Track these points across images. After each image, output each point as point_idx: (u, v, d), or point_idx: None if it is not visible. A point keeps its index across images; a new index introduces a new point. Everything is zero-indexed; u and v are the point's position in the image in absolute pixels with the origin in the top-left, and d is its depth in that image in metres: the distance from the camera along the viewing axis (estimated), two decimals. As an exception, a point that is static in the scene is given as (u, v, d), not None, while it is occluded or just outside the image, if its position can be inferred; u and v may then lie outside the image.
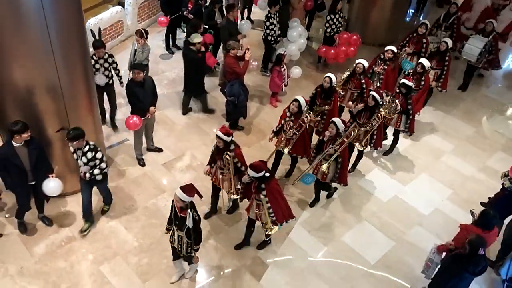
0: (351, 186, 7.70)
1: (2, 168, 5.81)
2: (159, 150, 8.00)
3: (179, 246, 5.51)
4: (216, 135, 6.05)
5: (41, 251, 6.29)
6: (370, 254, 6.70)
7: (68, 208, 6.91)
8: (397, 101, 7.52)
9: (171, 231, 5.56)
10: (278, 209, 5.87)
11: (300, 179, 6.80)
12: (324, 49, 10.28)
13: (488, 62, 10.03)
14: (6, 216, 6.66)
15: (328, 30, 10.26)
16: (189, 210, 5.18)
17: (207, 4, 9.94)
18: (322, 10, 11.67)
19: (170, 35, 10.54)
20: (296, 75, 9.36)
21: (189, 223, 5.19)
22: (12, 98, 5.99)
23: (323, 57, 10.52)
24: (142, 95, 7.11)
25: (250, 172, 5.63)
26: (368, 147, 7.49)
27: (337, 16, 10.08)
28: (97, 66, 7.44)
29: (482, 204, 7.30)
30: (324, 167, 6.60)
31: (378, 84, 8.67)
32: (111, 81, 7.79)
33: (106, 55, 7.54)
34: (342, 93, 8.19)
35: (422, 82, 8.32)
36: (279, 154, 7.38)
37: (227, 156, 6.08)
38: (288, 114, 6.98)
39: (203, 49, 8.21)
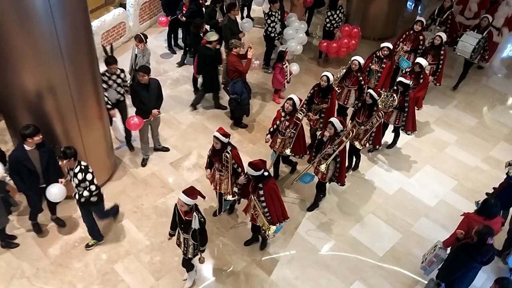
0: (357, 180, 7.83)
1: (15, 171, 5.90)
2: (166, 149, 8.09)
3: (185, 249, 5.55)
4: (214, 136, 6.06)
5: (56, 252, 6.40)
6: (378, 246, 6.81)
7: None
8: (394, 95, 7.55)
9: (176, 234, 5.60)
10: (273, 210, 5.88)
11: (299, 178, 6.86)
12: (325, 43, 10.39)
13: (483, 56, 10.02)
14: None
15: (328, 25, 10.35)
16: (194, 213, 5.22)
17: (208, 3, 10.01)
18: (321, 6, 11.76)
19: (172, 35, 10.60)
20: (295, 71, 9.44)
21: (195, 225, 5.22)
22: (23, 102, 6.07)
23: (325, 51, 10.62)
24: (146, 98, 7.18)
25: (249, 170, 5.64)
26: (367, 145, 7.54)
27: (337, 11, 10.17)
28: (110, 82, 7.33)
29: (487, 194, 7.40)
30: (322, 167, 6.60)
31: (376, 82, 8.67)
32: (122, 98, 7.64)
33: (118, 71, 7.40)
34: (338, 91, 8.19)
35: (421, 81, 8.29)
36: (278, 162, 7.45)
37: (226, 154, 6.11)
38: (283, 114, 6.94)
39: (218, 46, 8.36)
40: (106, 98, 7.26)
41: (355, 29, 10.55)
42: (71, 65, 5.98)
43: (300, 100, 6.98)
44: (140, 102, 7.18)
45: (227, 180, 6.35)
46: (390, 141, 8.51)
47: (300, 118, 6.95)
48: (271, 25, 9.57)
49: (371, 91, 7.16)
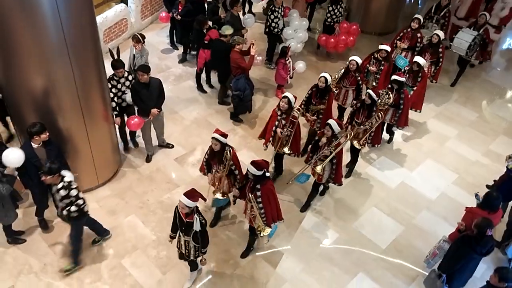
0: (359, 175, 7.93)
1: (22, 169, 5.96)
2: (171, 146, 8.15)
3: (186, 251, 5.56)
4: (213, 137, 6.05)
5: (63, 248, 6.48)
6: (380, 239, 6.92)
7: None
8: (390, 93, 7.57)
9: (177, 237, 5.61)
10: (269, 211, 5.91)
11: (295, 178, 6.89)
12: (324, 37, 10.49)
13: (481, 54, 10.07)
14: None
15: (329, 20, 10.43)
16: (195, 215, 5.23)
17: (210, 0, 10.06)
18: (323, 1, 11.81)
19: (174, 31, 10.65)
20: (301, 69, 9.53)
21: (197, 227, 5.24)
22: (29, 99, 6.13)
23: (323, 46, 10.71)
24: (146, 96, 7.20)
25: (251, 168, 5.64)
26: (366, 145, 7.58)
27: (338, 6, 10.24)
28: (119, 86, 7.26)
29: (487, 186, 7.52)
30: (318, 168, 6.60)
31: (374, 83, 8.66)
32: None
33: (126, 73, 7.33)
34: (336, 91, 8.21)
35: (419, 79, 8.29)
36: (278, 156, 7.49)
37: (228, 152, 6.09)
38: (279, 113, 6.98)
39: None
40: (114, 104, 7.23)
41: (354, 26, 10.63)
42: (77, 62, 6.04)
43: (295, 98, 6.98)
44: (140, 101, 7.22)
45: (222, 179, 6.35)
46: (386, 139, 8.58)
47: (297, 116, 6.95)
48: (275, 20, 9.63)
49: (370, 91, 7.17)
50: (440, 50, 8.97)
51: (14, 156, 5.67)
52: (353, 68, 7.97)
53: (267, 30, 9.86)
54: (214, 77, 9.76)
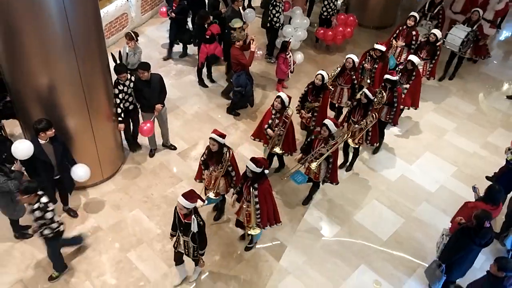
0: (360, 168, 8.05)
1: (30, 164, 6.03)
2: (173, 148, 8.16)
3: (186, 250, 5.60)
4: (210, 138, 6.05)
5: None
6: (381, 231, 7.05)
7: (91, 199, 7.20)
8: (383, 92, 7.57)
9: (176, 236, 5.65)
10: (265, 210, 5.94)
11: (291, 176, 6.88)
12: (322, 31, 10.57)
13: (478, 51, 10.05)
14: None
15: (325, 13, 10.51)
16: (193, 216, 5.25)
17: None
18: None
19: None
20: (299, 60, 9.59)
21: (194, 228, 5.26)
22: (35, 95, 6.18)
23: (321, 39, 10.79)
24: (148, 93, 7.24)
25: (250, 164, 5.66)
26: (365, 143, 7.56)
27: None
28: (125, 89, 7.11)
29: (487, 178, 7.64)
30: (313, 165, 6.61)
31: (369, 81, 8.67)
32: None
33: (129, 76, 7.20)
34: (331, 89, 8.18)
35: (413, 78, 8.26)
36: (271, 156, 7.51)
37: (227, 153, 6.12)
38: (273, 112, 7.00)
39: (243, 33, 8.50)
40: (119, 110, 7.16)
41: (351, 17, 10.73)
42: (83, 58, 6.09)
43: (289, 98, 7.00)
44: (142, 98, 7.27)
45: (217, 179, 6.32)
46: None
47: (289, 115, 6.96)
48: (276, 15, 9.68)
49: (366, 90, 7.18)
50: (438, 48, 8.96)
51: (23, 147, 5.75)
52: (349, 66, 7.97)
53: (268, 25, 9.89)
54: (215, 71, 9.83)
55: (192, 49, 10.41)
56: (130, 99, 7.29)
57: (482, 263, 6.42)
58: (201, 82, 9.65)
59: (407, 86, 8.31)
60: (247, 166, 5.75)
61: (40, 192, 5.45)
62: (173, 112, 8.83)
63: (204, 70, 9.64)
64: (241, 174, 6.21)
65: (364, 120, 7.20)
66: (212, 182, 6.39)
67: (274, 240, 6.82)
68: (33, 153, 5.92)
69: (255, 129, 7.52)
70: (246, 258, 6.58)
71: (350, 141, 7.44)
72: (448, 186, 7.85)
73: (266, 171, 5.84)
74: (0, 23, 5.60)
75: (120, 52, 8.27)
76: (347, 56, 8.04)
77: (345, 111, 8.12)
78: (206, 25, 8.82)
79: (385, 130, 8.25)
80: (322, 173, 6.86)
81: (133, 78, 7.26)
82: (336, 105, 8.54)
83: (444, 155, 8.45)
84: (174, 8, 9.56)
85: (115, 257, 6.45)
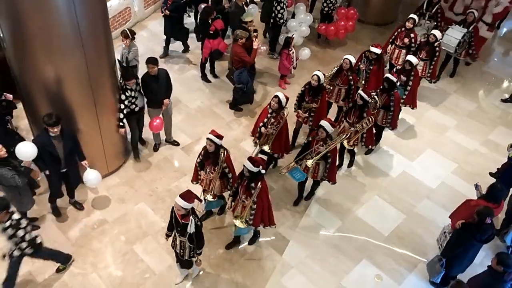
0: (362, 164, 8.14)
1: (38, 156, 6.05)
2: (176, 143, 8.23)
3: (181, 251, 5.59)
4: (208, 138, 6.04)
5: (76, 234, 6.68)
6: (383, 227, 7.15)
7: (96, 192, 7.28)
8: (376, 97, 7.58)
9: (172, 236, 5.65)
10: (260, 210, 5.95)
11: (289, 172, 6.85)
12: (323, 26, 10.64)
13: (469, 53, 9.99)
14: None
15: (326, 9, 10.57)
16: (191, 217, 5.26)
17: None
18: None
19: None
20: (305, 56, 9.63)
21: (191, 229, 5.27)
22: (42, 89, 6.23)
23: (324, 34, 10.84)
24: (156, 88, 7.31)
25: (247, 164, 5.66)
26: (359, 145, 7.62)
27: None
28: (132, 93, 7.05)
29: (490, 174, 7.74)
30: (309, 162, 6.59)
31: (363, 82, 8.66)
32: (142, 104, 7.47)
33: (135, 80, 7.10)
34: (330, 88, 8.23)
35: (411, 78, 8.23)
36: (263, 153, 7.48)
37: (222, 154, 6.12)
38: (269, 111, 7.01)
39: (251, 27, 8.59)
40: (121, 115, 7.09)
41: (351, 11, 10.78)
42: (90, 52, 6.13)
43: (287, 98, 7.01)
44: (150, 93, 7.32)
45: (213, 181, 6.31)
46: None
47: (283, 115, 6.96)
48: (280, 11, 9.72)
49: (361, 92, 7.16)
50: (437, 48, 8.97)
51: (26, 150, 5.78)
52: (346, 67, 7.97)
53: (272, 21, 9.92)
54: (218, 67, 9.89)
55: (195, 44, 10.45)
56: (136, 101, 7.20)
57: (481, 259, 6.53)
58: (204, 77, 9.71)
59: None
60: (244, 166, 5.77)
61: (11, 210, 5.32)
62: (176, 107, 8.87)
63: (207, 65, 9.69)
64: (236, 175, 6.23)
65: (359, 123, 7.19)
66: (209, 184, 6.38)
67: (277, 235, 6.92)
68: (42, 145, 5.98)
69: (253, 127, 7.53)
70: (250, 252, 6.68)
71: (345, 143, 7.45)
72: (448, 182, 7.96)
73: (263, 171, 5.87)
74: (9, 18, 5.66)
75: (127, 58, 8.21)
76: (344, 57, 8.03)
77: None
78: (210, 21, 8.87)
79: (383, 132, 8.25)
80: (320, 173, 6.90)
81: (139, 81, 7.23)
82: (334, 104, 8.53)
83: (445, 152, 8.55)
84: (168, 5, 9.45)
85: (121, 250, 6.54)
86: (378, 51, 8.41)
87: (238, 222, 6.10)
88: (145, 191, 7.35)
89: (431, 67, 9.14)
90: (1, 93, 6.98)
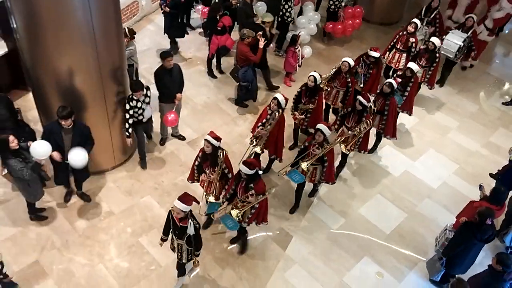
0: (365, 163, 8.26)
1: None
2: (182, 138, 8.31)
3: (179, 254, 5.63)
4: (205, 139, 6.05)
5: (83, 226, 6.77)
6: (384, 225, 7.28)
7: (103, 184, 7.38)
8: (371, 104, 7.56)
9: (170, 239, 5.66)
10: (257, 211, 6.02)
11: (287, 174, 6.83)
12: (331, 25, 10.71)
13: (467, 56, 10.03)
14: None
15: (332, 7, 10.63)
16: (189, 220, 5.29)
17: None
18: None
19: (185, 16, 10.75)
20: (307, 54, 9.75)
21: (191, 231, 5.31)
22: (54, 82, 6.31)
23: (331, 33, 10.93)
24: (170, 82, 7.38)
25: (243, 168, 5.69)
26: (355, 150, 7.61)
27: None
28: (139, 104, 6.93)
29: (490, 175, 7.85)
30: (303, 165, 6.57)
31: (361, 85, 8.65)
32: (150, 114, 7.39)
33: (145, 91, 6.96)
34: (327, 89, 8.25)
35: (410, 84, 8.20)
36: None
37: (220, 154, 6.13)
38: (269, 112, 7.04)
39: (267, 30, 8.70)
40: (127, 125, 7.03)
41: (358, 9, 10.86)
42: (102, 45, 6.22)
43: (286, 100, 7.04)
44: (164, 87, 7.39)
45: (214, 182, 6.31)
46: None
47: (276, 116, 6.95)
48: (288, 10, 9.79)
49: (360, 97, 7.14)
50: (437, 55, 8.91)
51: (40, 150, 5.83)
52: (345, 69, 7.96)
53: (279, 19, 9.99)
54: (224, 62, 9.97)
55: (201, 39, 10.52)
56: (144, 113, 7.09)
57: (481, 259, 6.61)
58: (210, 73, 9.78)
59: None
60: (240, 170, 5.82)
61: None
62: (182, 101, 8.90)
63: (214, 61, 9.76)
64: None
65: (357, 127, 7.22)
66: (209, 185, 6.38)
67: (280, 230, 7.03)
68: (51, 132, 6.07)
69: (253, 127, 7.55)
70: (254, 246, 6.79)
71: (342, 147, 7.48)
72: (450, 183, 8.08)
73: (260, 172, 5.92)
74: (23, 10, 5.74)
75: (136, 68, 8.24)
76: (343, 59, 8.02)
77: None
78: (218, 17, 8.93)
79: (382, 136, 8.23)
80: (317, 177, 6.92)
81: (148, 93, 7.06)
82: (331, 107, 8.56)
83: (447, 152, 8.67)
84: (167, 2, 9.45)
85: (127, 242, 6.65)
86: (376, 54, 8.40)
87: (234, 213, 5.92)
88: (151, 185, 7.45)
89: (430, 72, 9.05)
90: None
